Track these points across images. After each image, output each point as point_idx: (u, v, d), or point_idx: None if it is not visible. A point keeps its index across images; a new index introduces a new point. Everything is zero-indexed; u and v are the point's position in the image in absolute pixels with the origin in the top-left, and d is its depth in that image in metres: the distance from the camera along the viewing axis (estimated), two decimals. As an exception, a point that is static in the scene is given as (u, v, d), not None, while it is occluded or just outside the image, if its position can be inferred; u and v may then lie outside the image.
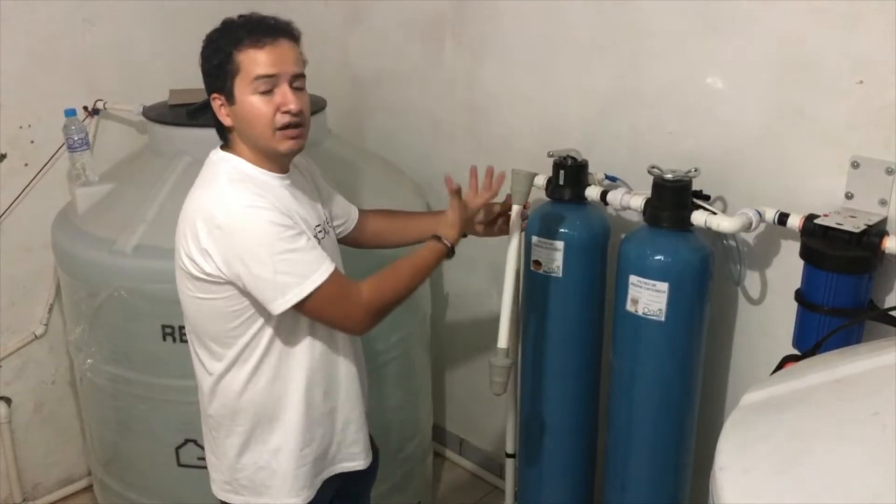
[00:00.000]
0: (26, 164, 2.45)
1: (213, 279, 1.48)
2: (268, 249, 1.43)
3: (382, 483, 2.33)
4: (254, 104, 1.46)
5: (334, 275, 1.49)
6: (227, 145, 1.55)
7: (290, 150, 1.52)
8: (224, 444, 1.64)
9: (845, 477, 0.99)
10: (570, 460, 2.20)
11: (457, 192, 1.72)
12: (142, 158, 2.24)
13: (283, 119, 1.48)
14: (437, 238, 1.67)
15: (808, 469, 1.03)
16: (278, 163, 1.55)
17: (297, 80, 1.50)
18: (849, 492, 0.97)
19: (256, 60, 1.45)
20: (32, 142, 2.44)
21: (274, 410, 1.60)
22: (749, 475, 1.06)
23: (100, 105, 2.50)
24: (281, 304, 1.46)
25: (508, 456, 2.45)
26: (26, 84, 2.39)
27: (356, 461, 1.75)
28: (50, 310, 2.60)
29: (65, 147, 2.32)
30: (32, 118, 2.42)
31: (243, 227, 1.44)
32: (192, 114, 2.13)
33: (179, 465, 2.11)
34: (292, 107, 1.47)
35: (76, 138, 2.27)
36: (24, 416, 2.66)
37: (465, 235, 1.78)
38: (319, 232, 1.61)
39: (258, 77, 1.45)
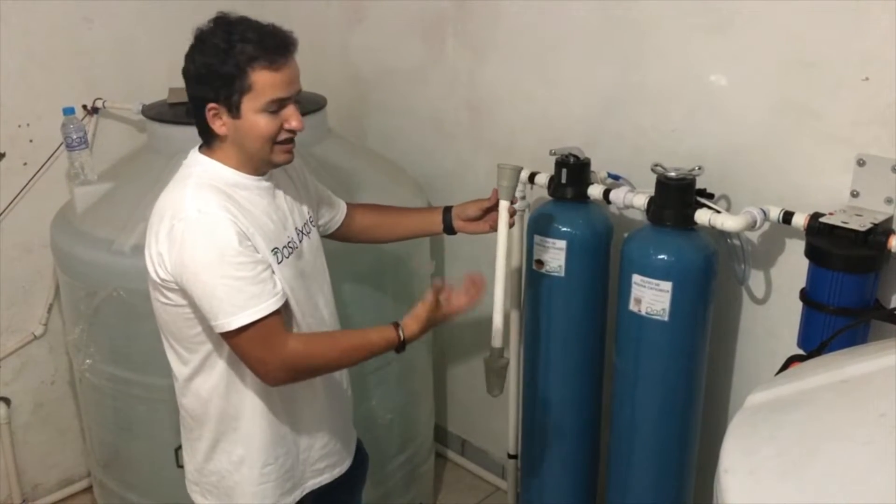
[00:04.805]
0: (25, 164, 2.44)
1: (166, 285, 1.48)
2: (210, 271, 1.41)
3: (384, 484, 2.33)
4: (261, 122, 1.46)
5: (269, 318, 1.44)
6: (208, 148, 1.53)
7: (286, 161, 1.53)
8: (194, 445, 1.64)
9: (852, 479, 0.98)
10: (572, 461, 2.19)
11: (438, 292, 1.59)
12: (141, 157, 2.23)
13: (285, 135, 1.50)
14: (396, 325, 1.55)
15: (814, 471, 1.02)
16: (262, 169, 1.54)
17: (298, 96, 1.51)
18: (855, 494, 0.96)
19: (272, 83, 1.44)
20: (31, 141, 2.43)
21: (237, 422, 1.58)
22: (754, 477, 1.05)
23: (99, 104, 2.49)
24: (213, 325, 1.44)
25: (510, 457, 2.44)
26: (25, 83, 2.38)
27: (324, 475, 1.72)
28: (49, 310, 2.59)
29: (63, 146, 2.31)
30: (31, 117, 2.41)
31: (195, 238, 1.42)
32: (191, 112, 2.12)
33: (179, 466, 2.07)
34: (297, 125, 1.48)
35: (75, 137, 2.26)
36: (24, 416, 2.65)
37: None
38: (298, 235, 1.60)
39: (273, 100, 1.45)
